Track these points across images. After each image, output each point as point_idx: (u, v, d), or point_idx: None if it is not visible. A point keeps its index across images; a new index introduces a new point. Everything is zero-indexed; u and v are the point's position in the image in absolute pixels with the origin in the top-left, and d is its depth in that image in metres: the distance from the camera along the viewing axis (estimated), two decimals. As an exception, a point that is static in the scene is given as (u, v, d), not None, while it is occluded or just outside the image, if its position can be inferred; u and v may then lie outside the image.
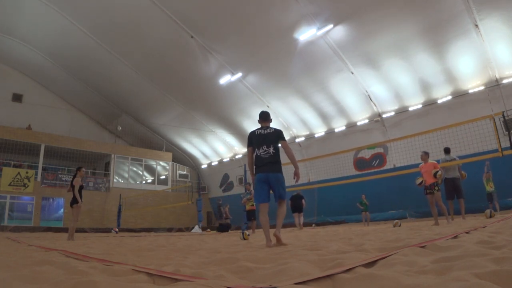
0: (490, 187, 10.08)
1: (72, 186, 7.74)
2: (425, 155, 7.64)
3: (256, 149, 4.15)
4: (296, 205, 12.29)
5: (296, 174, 4.14)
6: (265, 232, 3.98)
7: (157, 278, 1.56)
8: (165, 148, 24.21)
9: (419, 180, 7.57)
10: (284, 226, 12.93)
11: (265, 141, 4.13)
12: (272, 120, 4.42)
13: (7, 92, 20.49)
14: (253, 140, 4.20)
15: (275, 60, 14.87)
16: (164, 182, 24.20)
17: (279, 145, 4.20)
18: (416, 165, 8.30)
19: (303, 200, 12.42)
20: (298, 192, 12.50)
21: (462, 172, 8.63)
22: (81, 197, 7.76)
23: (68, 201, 8.09)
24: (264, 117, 4.35)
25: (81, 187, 7.84)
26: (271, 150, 4.08)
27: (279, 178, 4.06)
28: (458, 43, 11.47)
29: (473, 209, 11.26)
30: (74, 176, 7.83)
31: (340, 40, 12.98)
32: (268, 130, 4.22)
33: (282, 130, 4.42)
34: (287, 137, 4.74)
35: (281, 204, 4.10)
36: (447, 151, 8.70)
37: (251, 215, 10.79)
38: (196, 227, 16.81)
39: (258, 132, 4.22)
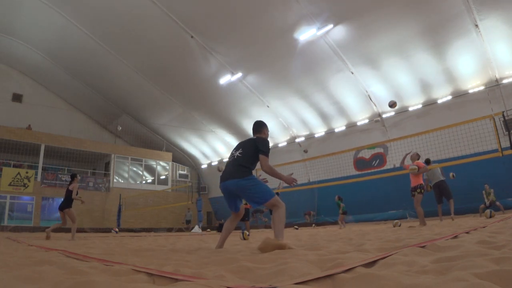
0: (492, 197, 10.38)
1: (70, 192, 7.91)
2: (416, 156, 7.59)
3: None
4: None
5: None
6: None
7: (157, 278, 1.56)
8: (165, 148, 24.20)
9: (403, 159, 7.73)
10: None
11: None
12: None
13: (7, 92, 20.49)
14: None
15: (275, 60, 14.86)
16: (164, 182, 24.20)
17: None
18: (416, 165, 8.29)
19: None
20: None
21: (450, 173, 9.31)
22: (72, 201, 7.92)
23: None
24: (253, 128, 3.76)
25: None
26: (237, 153, 3.48)
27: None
28: (458, 43, 11.47)
29: (472, 209, 11.26)
30: (71, 183, 8.06)
31: (340, 40, 12.98)
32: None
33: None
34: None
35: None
36: (427, 162, 8.95)
37: (245, 215, 10.68)
38: (196, 227, 16.81)
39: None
